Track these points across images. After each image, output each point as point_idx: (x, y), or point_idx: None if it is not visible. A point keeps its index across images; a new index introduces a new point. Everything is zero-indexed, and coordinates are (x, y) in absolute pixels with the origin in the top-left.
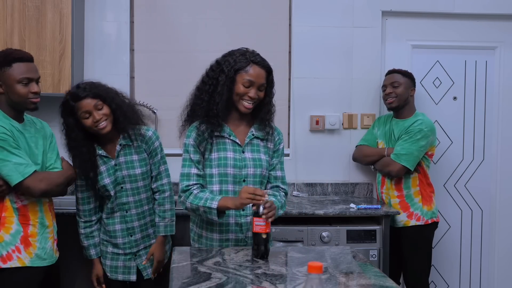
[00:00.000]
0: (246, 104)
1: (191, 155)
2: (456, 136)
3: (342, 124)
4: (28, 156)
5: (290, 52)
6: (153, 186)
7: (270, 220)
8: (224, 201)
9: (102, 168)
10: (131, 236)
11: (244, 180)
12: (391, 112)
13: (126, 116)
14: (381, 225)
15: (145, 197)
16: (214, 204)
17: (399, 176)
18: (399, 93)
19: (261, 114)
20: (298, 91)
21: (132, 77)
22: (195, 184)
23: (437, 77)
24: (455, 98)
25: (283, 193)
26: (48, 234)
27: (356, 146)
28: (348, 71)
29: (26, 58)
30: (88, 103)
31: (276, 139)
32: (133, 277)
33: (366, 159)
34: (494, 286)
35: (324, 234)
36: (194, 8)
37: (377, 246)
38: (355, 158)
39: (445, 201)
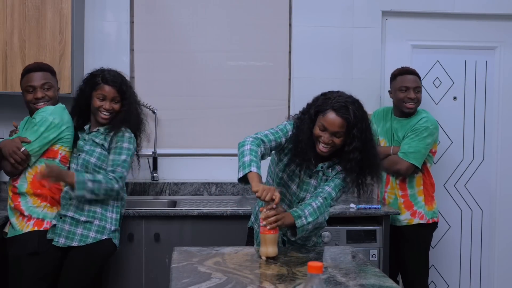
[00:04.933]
0: (321, 147)
1: (277, 134)
2: (456, 136)
3: None
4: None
5: (290, 52)
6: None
7: (268, 227)
8: (252, 177)
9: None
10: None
11: (299, 202)
12: (388, 107)
13: (124, 120)
14: (381, 225)
15: None
16: (247, 170)
17: (407, 174)
18: (420, 98)
19: (343, 160)
20: (298, 91)
21: (132, 77)
22: (265, 145)
23: (437, 77)
24: (455, 98)
25: (321, 199)
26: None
27: None
28: (348, 71)
29: (34, 68)
30: (111, 91)
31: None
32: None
33: None
34: (494, 286)
35: (324, 234)
36: (194, 8)
37: (377, 246)
38: None
39: (445, 201)
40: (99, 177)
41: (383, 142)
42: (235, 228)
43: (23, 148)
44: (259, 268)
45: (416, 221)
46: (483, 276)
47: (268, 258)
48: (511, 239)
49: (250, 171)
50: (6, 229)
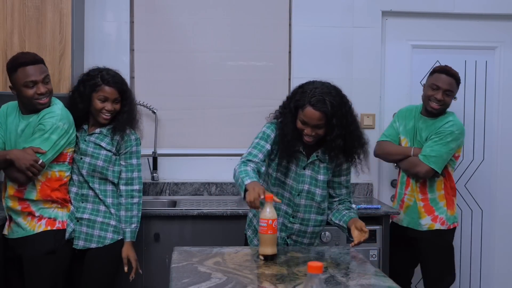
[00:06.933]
0: (306, 138)
1: (259, 145)
2: None
3: None
4: None
5: (290, 52)
6: (122, 188)
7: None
8: (249, 186)
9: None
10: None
11: (298, 194)
12: (416, 105)
13: (128, 121)
14: (381, 225)
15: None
16: (244, 186)
17: (426, 178)
18: (448, 102)
19: (326, 149)
20: None
21: (132, 77)
22: (253, 162)
23: None
24: (455, 98)
25: (354, 207)
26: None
27: (377, 141)
28: (348, 71)
29: (30, 61)
30: (112, 92)
31: (345, 167)
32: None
33: (389, 157)
34: (494, 286)
35: (324, 234)
36: (194, 8)
37: (377, 246)
38: (377, 155)
39: None
40: (134, 213)
41: (404, 141)
42: (235, 228)
43: (40, 161)
44: (259, 268)
45: (437, 226)
46: (483, 276)
47: (266, 257)
48: (511, 239)
49: (245, 185)
50: (5, 231)
